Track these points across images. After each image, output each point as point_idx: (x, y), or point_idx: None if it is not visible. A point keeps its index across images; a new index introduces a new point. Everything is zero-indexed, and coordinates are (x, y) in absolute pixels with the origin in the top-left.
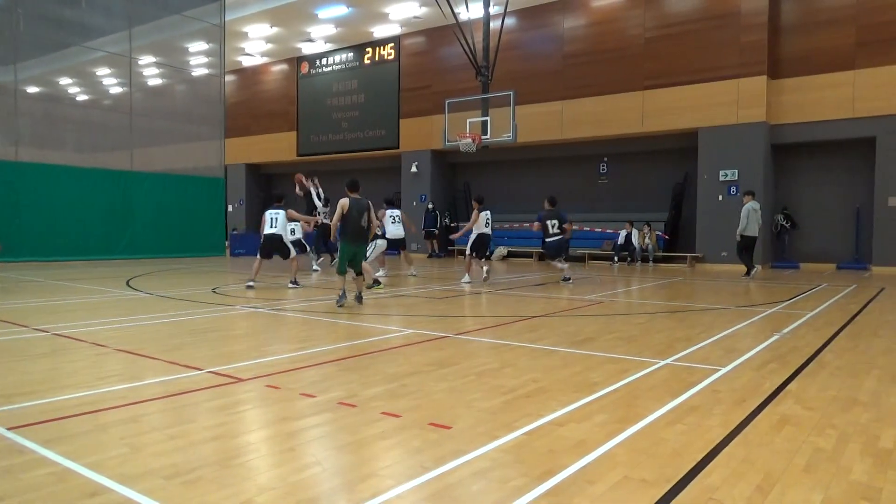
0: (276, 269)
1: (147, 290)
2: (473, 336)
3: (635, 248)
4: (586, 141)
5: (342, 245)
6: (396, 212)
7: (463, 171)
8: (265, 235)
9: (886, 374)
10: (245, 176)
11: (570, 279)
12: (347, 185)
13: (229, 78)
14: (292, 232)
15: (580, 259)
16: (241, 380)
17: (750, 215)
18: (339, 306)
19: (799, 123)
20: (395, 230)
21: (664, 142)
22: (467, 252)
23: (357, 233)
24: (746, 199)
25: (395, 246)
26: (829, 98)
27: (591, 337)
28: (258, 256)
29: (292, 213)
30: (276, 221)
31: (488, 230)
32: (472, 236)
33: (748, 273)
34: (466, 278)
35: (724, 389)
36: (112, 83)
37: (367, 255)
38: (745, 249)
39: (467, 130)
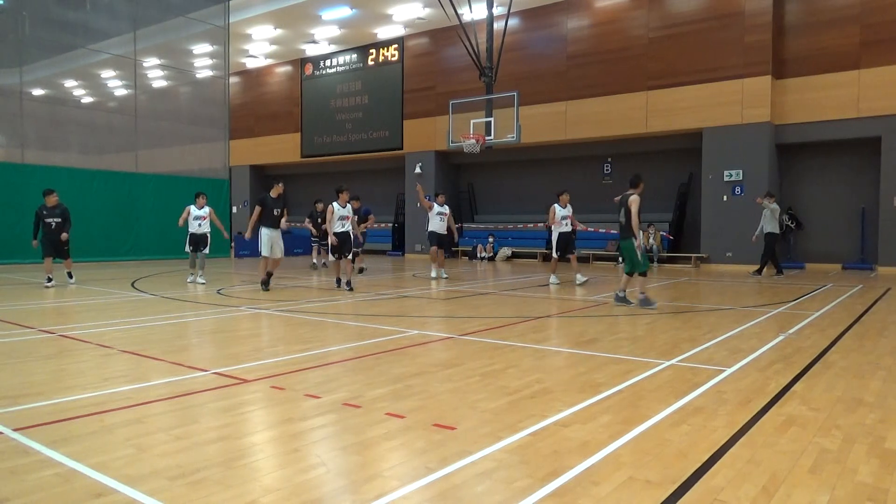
0: (281, 270)
1: (152, 292)
2: (478, 337)
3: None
4: (590, 141)
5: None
6: (443, 209)
7: (467, 171)
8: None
9: (892, 375)
10: (249, 177)
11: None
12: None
13: (233, 80)
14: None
15: (585, 259)
16: (245, 381)
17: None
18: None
19: (803, 123)
20: (435, 226)
21: (668, 142)
22: (554, 254)
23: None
24: (771, 199)
25: (438, 240)
26: (833, 98)
27: (596, 338)
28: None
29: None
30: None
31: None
32: (555, 235)
33: (779, 272)
34: (554, 279)
35: (729, 390)
36: (117, 85)
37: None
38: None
39: (471, 131)
